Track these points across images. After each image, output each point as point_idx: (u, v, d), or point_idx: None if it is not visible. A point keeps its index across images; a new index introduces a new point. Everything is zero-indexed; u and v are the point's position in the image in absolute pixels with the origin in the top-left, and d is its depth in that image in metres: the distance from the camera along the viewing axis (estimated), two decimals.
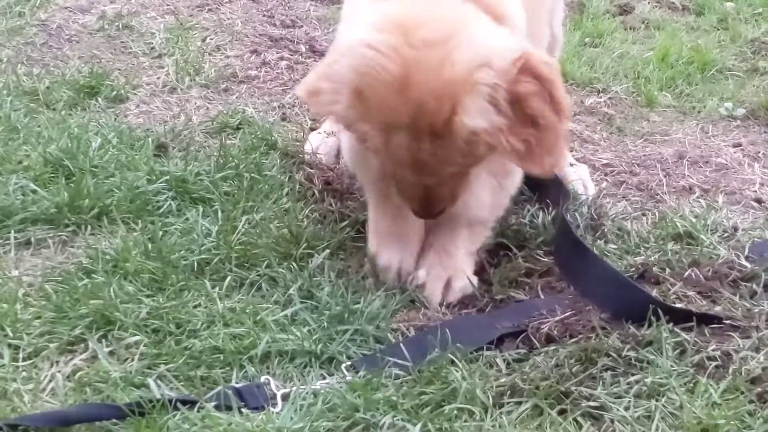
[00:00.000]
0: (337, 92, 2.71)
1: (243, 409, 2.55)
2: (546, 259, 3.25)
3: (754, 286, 3.08)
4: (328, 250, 3.20)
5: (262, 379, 2.65)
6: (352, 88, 2.67)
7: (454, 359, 2.71)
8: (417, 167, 2.77)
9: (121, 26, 4.99)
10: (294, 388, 2.62)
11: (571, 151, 4.09)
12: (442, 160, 2.74)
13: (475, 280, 3.15)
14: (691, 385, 2.66)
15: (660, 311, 2.83)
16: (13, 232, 3.23)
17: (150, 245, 3.12)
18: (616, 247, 3.36)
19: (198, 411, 2.50)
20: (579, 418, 2.56)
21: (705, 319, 2.88)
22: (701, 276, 3.12)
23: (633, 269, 3.17)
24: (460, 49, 2.62)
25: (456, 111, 2.62)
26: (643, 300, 2.91)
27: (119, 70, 4.58)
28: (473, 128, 2.64)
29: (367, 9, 2.81)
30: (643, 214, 3.65)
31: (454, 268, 3.12)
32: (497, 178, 3.20)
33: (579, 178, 3.77)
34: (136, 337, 2.75)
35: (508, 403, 2.59)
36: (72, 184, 3.41)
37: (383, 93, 2.64)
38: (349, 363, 2.75)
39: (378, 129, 2.69)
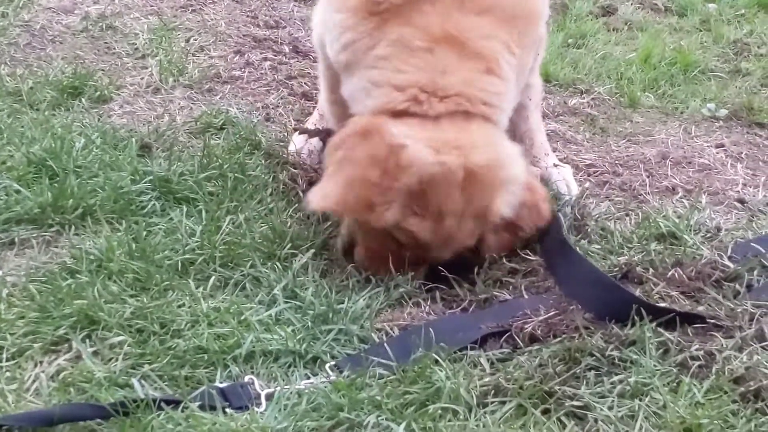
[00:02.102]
0: (392, 202, 3.09)
1: (227, 409, 2.55)
2: (531, 258, 3.27)
3: (737, 286, 3.09)
4: (312, 250, 3.20)
5: (246, 378, 2.65)
6: (412, 193, 3.10)
7: (438, 359, 2.72)
8: (449, 240, 3.22)
9: (104, 27, 4.97)
10: (278, 388, 2.62)
11: (555, 151, 4.10)
12: (472, 233, 3.24)
13: None
14: (675, 384, 2.67)
15: (644, 310, 2.84)
16: None
17: (134, 245, 3.12)
18: (599, 247, 3.37)
19: (182, 411, 2.50)
20: (563, 418, 2.56)
21: (688, 319, 2.89)
22: (684, 276, 3.13)
23: (616, 269, 3.19)
24: (503, 169, 3.21)
25: (495, 202, 3.20)
26: (628, 300, 2.92)
27: (103, 70, 4.57)
28: (503, 214, 3.22)
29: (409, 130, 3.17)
30: (627, 215, 3.66)
31: None
32: None
33: (562, 178, 3.85)
34: (120, 337, 2.74)
35: (492, 402, 2.60)
36: (56, 185, 3.40)
37: (447, 191, 3.12)
38: (333, 363, 2.75)
39: (431, 219, 3.13)
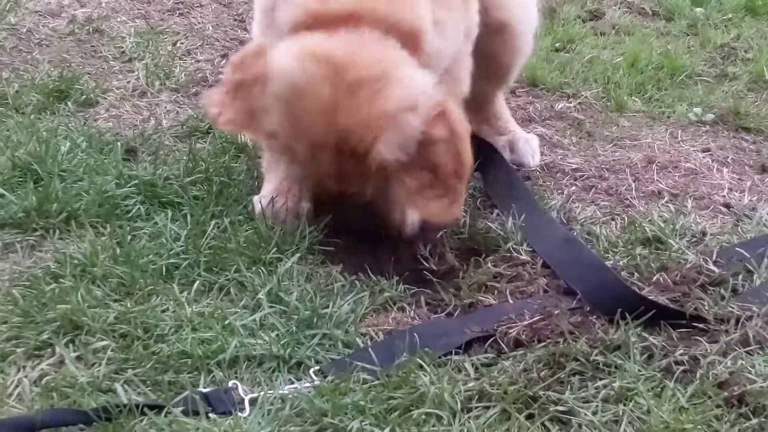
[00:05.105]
0: (270, 113, 3.08)
1: (210, 414, 2.53)
2: (521, 256, 3.29)
3: (722, 290, 3.10)
4: (297, 255, 3.19)
5: (230, 383, 2.63)
6: (285, 111, 3.04)
7: (423, 364, 2.71)
8: (339, 178, 3.11)
9: (91, 30, 4.98)
10: (262, 393, 2.61)
11: (541, 155, 4.11)
12: (362, 174, 3.06)
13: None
14: (659, 389, 2.67)
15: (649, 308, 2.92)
16: None
17: (118, 249, 3.11)
18: None
19: (165, 416, 2.48)
20: (547, 423, 2.56)
21: (680, 317, 2.94)
22: (669, 281, 3.14)
23: None
24: (390, 88, 2.96)
25: (377, 141, 2.96)
26: (631, 297, 3.00)
27: (89, 74, 4.57)
28: (386, 159, 2.98)
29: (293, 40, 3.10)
30: (612, 219, 3.66)
31: None
32: None
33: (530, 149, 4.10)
34: (104, 342, 2.73)
35: (476, 407, 2.59)
36: (40, 188, 3.39)
37: (314, 117, 2.99)
38: (317, 368, 2.74)
39: (306, 146, 3.05)
